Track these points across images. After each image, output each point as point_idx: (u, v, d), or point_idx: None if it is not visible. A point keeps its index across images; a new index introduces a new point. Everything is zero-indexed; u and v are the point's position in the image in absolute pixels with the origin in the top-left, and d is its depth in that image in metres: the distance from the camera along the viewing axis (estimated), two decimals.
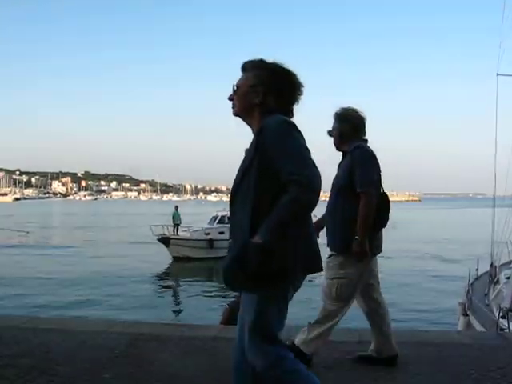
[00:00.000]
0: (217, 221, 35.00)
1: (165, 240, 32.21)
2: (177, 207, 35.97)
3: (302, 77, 2.52)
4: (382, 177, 4.06)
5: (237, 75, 2.59)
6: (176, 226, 34.32)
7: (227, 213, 35.24)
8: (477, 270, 15.96)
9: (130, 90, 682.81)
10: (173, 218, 35.03)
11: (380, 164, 4.03)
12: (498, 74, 16.69)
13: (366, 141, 4.13)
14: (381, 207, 3.93)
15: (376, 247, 4.05)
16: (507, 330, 9.38)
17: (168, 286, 24.53)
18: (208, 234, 33.37)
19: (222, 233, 33.14)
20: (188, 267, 30.38)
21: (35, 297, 19.12)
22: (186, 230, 34.32)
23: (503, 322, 10.12)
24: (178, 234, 33.71)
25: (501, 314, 10.35)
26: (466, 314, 12.28)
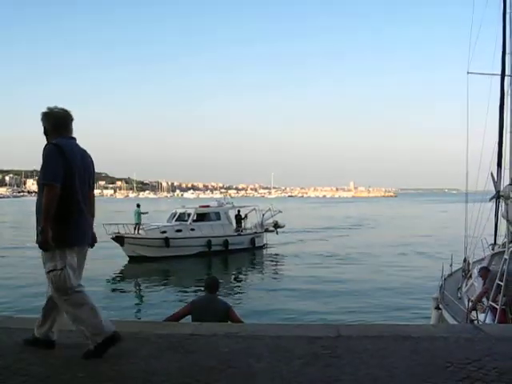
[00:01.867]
0: (175, 218, 33.97)
1: (119, 239, 30.77)
2: (138, 205, 34.60)
3: None
4: (82, 172, 4.30)
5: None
6: (137, 224, 32.94)
7: (186, 210, 34.39)
8: (451, 265, 16.17)
9: (105, 85, 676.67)
10: (135, 216, 33.78)
11: (69, 159, 4.15)
12: (468, 73, 16.93)
13: (71, 138, 4.41)
14: (62, 200, 4.07)
15: (73, 237, 4.20)
16: (477, 322, 9.52)
17: (121, 288, 23.70)
18: (164, 232, 32.12)
19: (179, 231, 32.37)
20: (143, 267, 29.18)
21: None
22: (142, 229, 32.88)
23: (473, 314, 10.28)
24: (138, 233, 32.47)
25: (470, 306, 10.53)
26: (438, 308, 12.47)
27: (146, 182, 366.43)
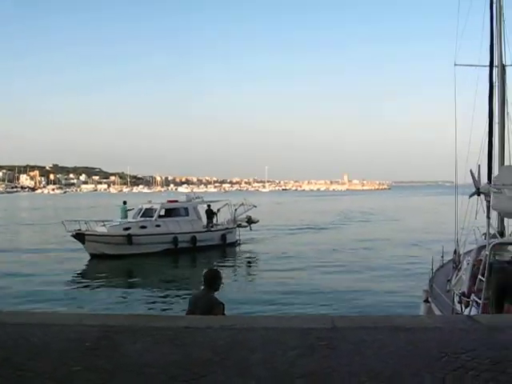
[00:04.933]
0: (140, 214, 32.73)
1: (79, 236, 29.81)
2: (125, 202, 34.37)
3: None
4: None
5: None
6: None
7: (152, 205, 33.19)
8: (442, 257, 16.27)
9: (96, 80, 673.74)
10: (121, 213, 33.46)
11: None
12: (455, 65, 16.98)
13: None
14: None
15: None
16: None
17: (81, 287, 23.05)
18: (127, 228, 31.06)
19: (143, 227, 31.38)
20: (104, 266, 28.35)
21: None
22: (103, 225, 31.76)
23: (459, 307, 10.37)
24: None
25: (457, 300, 10.62)
26: (427, 301, 12.54)
27: (140, 176, 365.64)
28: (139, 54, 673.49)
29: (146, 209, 33.05)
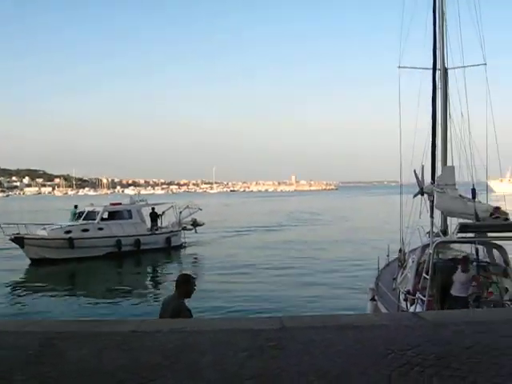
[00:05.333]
0: (82, 217, 32.02)
1: (18, 240, 28.82)
2: (76, 206, 33.74)
3: None
4: None
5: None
6: None
7: (95, 208, 32.69)
8: (387, 256, 16.60)
9: (33, 79, 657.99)
10: (71, 217, 32.69)
11: None
12: (399, 67, 17.37)
13: None
14: None
15: None
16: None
17: (20, 293, 22.33)
18: (69, 232, 30.21)
19: (85, 230, 30.69)
20: (45, 270, 27.65)
21: None
22: (44, 229, 30.89)
23: (404, 304, 10.62)
24: None
25: (403, 297, 10.88)
26: (373, 299, 12.77)
27: (86, 178, 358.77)
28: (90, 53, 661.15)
29: (89, 211, 32.38)
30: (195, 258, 32.44)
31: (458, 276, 10.35)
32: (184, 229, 36.24)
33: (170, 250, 34.38)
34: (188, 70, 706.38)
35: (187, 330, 4.74)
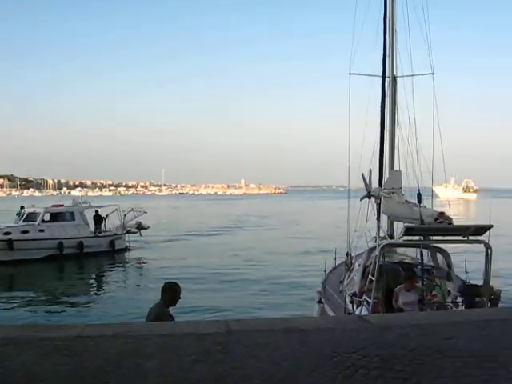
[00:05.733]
0: (23, 218, 31.02)
1: None
2: (22, 207, 32.60)
3: None
4: None
5: None
6: None
7: (35, 209, 31.76)
8: (335, 259, 16.78)
9: None
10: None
11: None
12: (350, 73, 17.65)
13: None
14: None
15: None
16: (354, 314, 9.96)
17: None
18: (8, 233, 29.30)
19: (25, 232, 29.89)
20: None
21: None
22: None
23: (351, 307, 10.77)
24: None
25: (349, 300, 11.03)
26: (320, 302, 12.91)
27: (31, 179, 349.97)
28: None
29: (29, 213, 31.35)
30: (139, 262, 31.69)
31: (405, 297, 9.89)
32: (128, 232, 35.62)
33: (114, 253, 33.66)
34: (138, 70, 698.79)
35: (132, 334, 4.67)
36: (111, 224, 35.27)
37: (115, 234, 34.60)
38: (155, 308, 6.64)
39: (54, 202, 35.95)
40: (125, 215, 35.67)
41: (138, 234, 35.91)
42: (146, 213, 37.39)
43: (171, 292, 6.63)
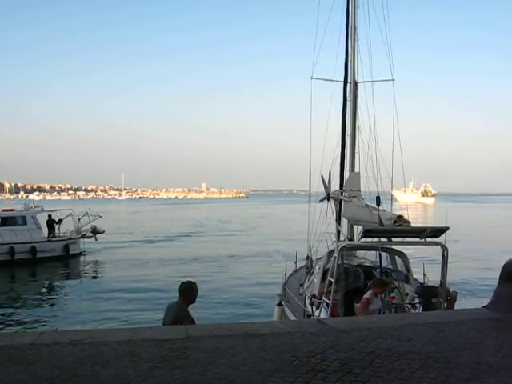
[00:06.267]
0: None
1: None
2: None
3: None
4: None
5: None
6: None
7: None
8: (295, 262, 16.86)
9: None
10: None
11: None
12: (312, 78, 17.78)
13: None
14: None
15: None
16: (313, 316, 10.02)
17: None
18: None
19: None
20: None
21: None
22: None
23: (311, 309, 10.82)
24: None
25: (309, 302, 11.08)
26: (280, 304, 12.96)
27: None
28: None
29: None
30: (94, 267, 31.21)
31: (375, 304, 9.84)
32: (83, 236, 34.84)
33: (69, 258, 32.97)
34: (100, 74, 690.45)
35: (88, 341, 4.58)
36: (65, 228, 34.56)
37: (69, 239, 33.79)
38: (175, 306, 6.74)
39: (12, 206, 35.14)
40: (79, 219, 34.90)
41: (93, 238, 35.23)
42: (100, 217, 36.65)
43: (191, 291, 6.82)
